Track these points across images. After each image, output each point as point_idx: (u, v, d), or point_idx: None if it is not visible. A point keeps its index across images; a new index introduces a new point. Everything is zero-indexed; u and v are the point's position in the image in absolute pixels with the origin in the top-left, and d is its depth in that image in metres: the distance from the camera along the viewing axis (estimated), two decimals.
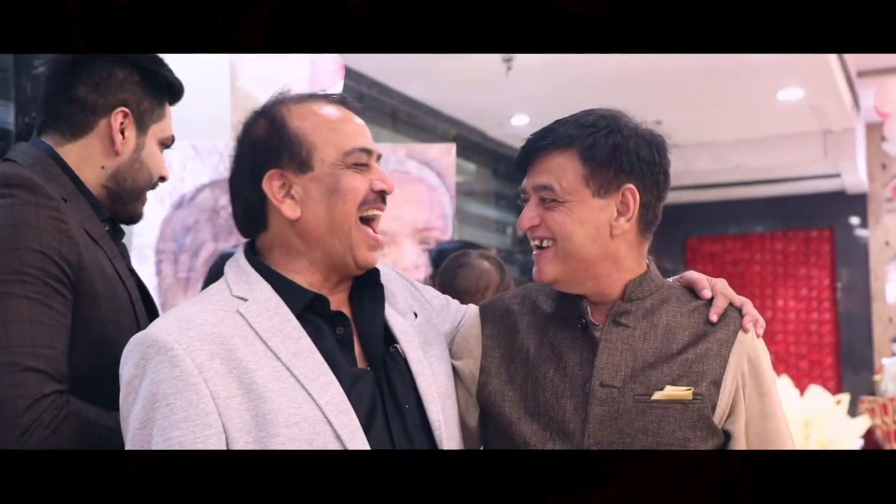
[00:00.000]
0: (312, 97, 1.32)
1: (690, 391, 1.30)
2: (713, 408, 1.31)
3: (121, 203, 1.52)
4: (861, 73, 6.38)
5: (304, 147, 1.26)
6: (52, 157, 1.44)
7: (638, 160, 1.33)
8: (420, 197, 3.27)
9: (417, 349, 1.34)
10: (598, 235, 1.32)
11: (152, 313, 1.52)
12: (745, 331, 1.34)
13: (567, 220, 1.32)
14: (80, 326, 1.34)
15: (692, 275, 1.43)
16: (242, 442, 1.14)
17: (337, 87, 3.26)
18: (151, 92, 1.51)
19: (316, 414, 1.17)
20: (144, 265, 2.90)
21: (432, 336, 1.40)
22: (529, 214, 1.36)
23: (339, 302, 1.32)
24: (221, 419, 1.14)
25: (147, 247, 2.91)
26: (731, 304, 1.37)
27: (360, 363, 1.28)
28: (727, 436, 1.34)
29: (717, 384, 1.31)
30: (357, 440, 1.18)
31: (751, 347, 1.34)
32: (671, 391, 1.30)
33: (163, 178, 1.57)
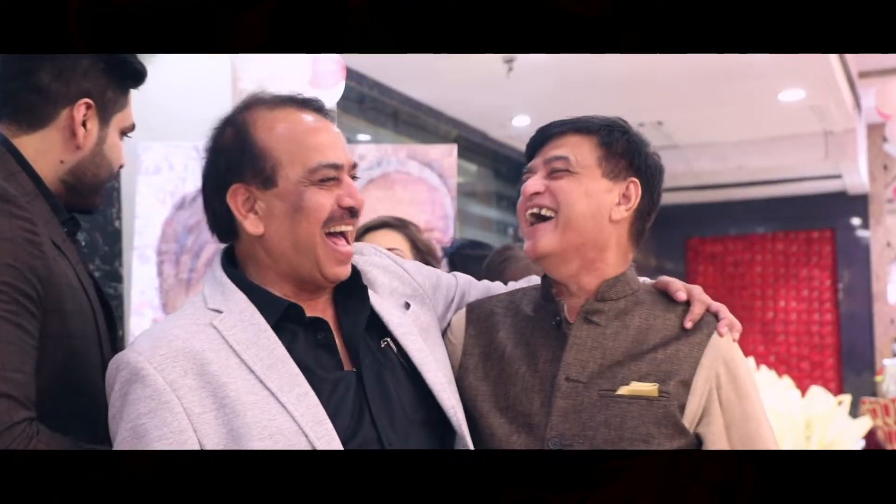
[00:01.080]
0: (284, 103, 1.28)
1: (656, 387, 1.30)
2: (681, 408, 1.30)
3: (79, 197, 1.44)
4: (862, 74, 6.38)
5: (269, 163, 1.23)
6: (10, 150, 1.35)
7: (646, 165, 1.40)
8: (421, 198, 3.28)
9: (417, 339, 1.33)
10: (598, 213, 1.36)
11: (110, 317, 1.46)
12: (720, 335, 1.34)
13: (574, 188, 1.35)
14: (48, 344, 1.27)
15: (666, 279, 1.45)
16: None
17: (338, 88, 3.26)
18: (116, 81, 1.42)
19: (291, 426, 1.15)
20: (145, 266, 2.90)
21: (428, 322, 1.40)
22: (536, 182, 1.38)
23: (320, 306, 1.30)
24: (197, 435, 1.13)
25: (148, 247, 2.91)
26: (707, 309, 1.37)
27: (346, 365, 1.26)
28: (700, 439, 1.33)
29: (686, 384, 1.31)
30: (334, 448, 1.16)
31: (726, 351, 1.33)
32: (636, 387, 1.31)
33: (121, 166, 1.50)
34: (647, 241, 1.48)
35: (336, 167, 1.24)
